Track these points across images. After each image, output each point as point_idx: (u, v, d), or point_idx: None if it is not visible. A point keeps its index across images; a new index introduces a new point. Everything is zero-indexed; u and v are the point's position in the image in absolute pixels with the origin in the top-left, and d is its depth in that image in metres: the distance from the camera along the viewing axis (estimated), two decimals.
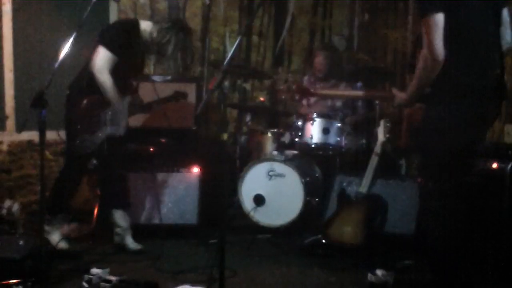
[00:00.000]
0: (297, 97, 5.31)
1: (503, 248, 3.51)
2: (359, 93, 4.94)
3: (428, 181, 3.07)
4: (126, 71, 4.01)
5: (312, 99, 5.43)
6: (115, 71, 3.88)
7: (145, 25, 4.01)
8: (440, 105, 2.95)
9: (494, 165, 3.62)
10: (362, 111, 5.23)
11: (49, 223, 3.95)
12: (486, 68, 2.94)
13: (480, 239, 3.51)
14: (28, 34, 5.19)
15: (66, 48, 3.18)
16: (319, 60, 5.42)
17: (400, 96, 3.20)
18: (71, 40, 3.15)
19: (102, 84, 3.84)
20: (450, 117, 2.92)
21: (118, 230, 4.07)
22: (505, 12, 3.07)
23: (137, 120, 4.70)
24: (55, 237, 3.95)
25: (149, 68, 5.73)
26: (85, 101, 3.84)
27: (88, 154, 3.95)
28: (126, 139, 4.11)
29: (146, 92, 4.34)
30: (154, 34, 3.94)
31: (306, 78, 5.60)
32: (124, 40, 3.89)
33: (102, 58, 3.83)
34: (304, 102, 5.50)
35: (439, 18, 2.81)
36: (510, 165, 3.53)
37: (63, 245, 3.96)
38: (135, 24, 4.04)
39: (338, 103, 5.34)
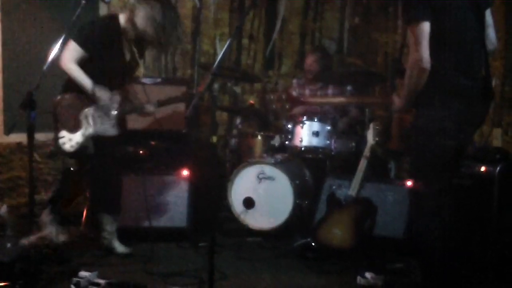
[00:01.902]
0: (287, 106, 5.32)
1: (492, 250, 3.54)
2: (351, 99, 4.95)
3: (419, 183, 3.08)
4: (110, 71, 3.86)
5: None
6: (97, 70, 3.77)
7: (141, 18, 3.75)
8: (429, 108, 2.97)
9: (483, 168, 3.65)
10: (354, 113, 5.23)
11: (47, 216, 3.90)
12: (472, 70, 2.97)
13: (470, 241, 3.53)
14: (18, 36, 5.15)
15: (55, 50, 3.17)
16: (310, 60, 5.46)
17: (397, 102, 3.21)
18: (60, 41, 3.15)
19: (70, 74, 3.70)
20: (439, 120, 2.94)
21: (104, 234, 4.04)
22: (488, 13, 3.09)
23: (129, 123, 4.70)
24: (52, 230, 3.87)
25: (139, 70, 5.73)
26: (59, 98, 3.71)
27: (71, 153, 3.78)
28: (121, 141, 4.01)
29: (135, 95, 4.31)
30: (146, 23, 3.72)
31: (295, 81, 5.63)
32: (98, 36, 3.72)
33: (68, 49, 3.69)
34: None
35: (425, 26, 2.84)
36: (498, 168, 3.56)
37: (62, 237, 3.85)
38: (112, 20, 3.87)
39: (328, 106, 5.35)
